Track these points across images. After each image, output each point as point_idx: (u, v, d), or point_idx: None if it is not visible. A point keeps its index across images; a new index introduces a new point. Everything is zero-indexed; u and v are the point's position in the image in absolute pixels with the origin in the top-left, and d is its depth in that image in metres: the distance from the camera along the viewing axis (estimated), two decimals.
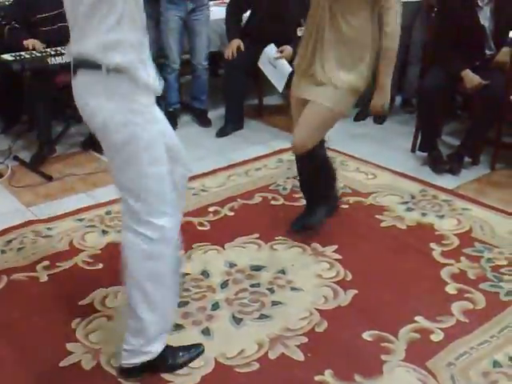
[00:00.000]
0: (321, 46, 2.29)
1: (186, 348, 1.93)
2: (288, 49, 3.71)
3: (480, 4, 3.22)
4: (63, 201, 3.02)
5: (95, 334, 2.03)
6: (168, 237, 1.71)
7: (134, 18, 1.58)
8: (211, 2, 4.11)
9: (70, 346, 1.97)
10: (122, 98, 1.59)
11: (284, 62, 3.71)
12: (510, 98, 3.18)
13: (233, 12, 3.91)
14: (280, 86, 3.81)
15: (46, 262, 2.45)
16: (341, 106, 2.36)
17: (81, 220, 2.81)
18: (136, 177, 1.64)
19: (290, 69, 3.70)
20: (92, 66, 1.58)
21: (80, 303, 2.20)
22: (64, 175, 3.32)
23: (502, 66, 3.28)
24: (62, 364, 1.90)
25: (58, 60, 3.26)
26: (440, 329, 2.04)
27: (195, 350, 1.94)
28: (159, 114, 1.72)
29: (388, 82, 2.36)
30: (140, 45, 1.61)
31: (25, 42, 3.37)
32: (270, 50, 3.77)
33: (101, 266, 2.43)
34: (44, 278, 2.35)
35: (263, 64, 3.81)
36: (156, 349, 1.80)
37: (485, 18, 3.25)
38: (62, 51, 3.30)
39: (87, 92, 1.62)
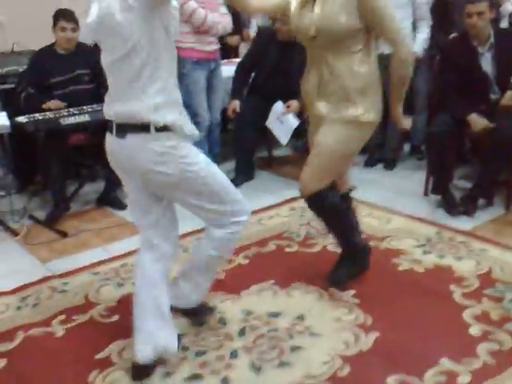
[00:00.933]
0: (323, 85, 2.27)
1: None
2: (295, 103, 3.80)
3: (480, 51, 3.31)
4: (78, 256, 3.03)
5: None
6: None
7: (175, 81, 1.87)
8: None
9: None
10: (171, 149, 1.84)
11: (291, 116, 3.80)
12: None
13: (242, 72, 4.07)
14: (285, 140, 3.89)
15: (62, 317, 2.43)
16: (347, 144, 2.29)
17: (96, 274, 2.80)
18: (211, 194, 1.97)
19: (297, 122, 3.78)
20: (141, 127, 1.81)
21: (97, 357, 2.16)
22: (79, 231, 3.34)
23: (508, 109, 3.32)
24: None
25: (71, 120, 3.35)
26: (467, 371, 1.97)
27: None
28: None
29: (401, 108, 2.41)
30: (180, 101, 1.90)
31: (45, 105, 3.48)
32: (278, 107, 3.87)
33: (117, 318, 2.41)
34: (60, 333, 2.32)
35: (271, 123, 3.90)
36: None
37: (487, 63, 3.33)
38: (75, 112, 3.41)
39: (138, 153, 1.84)
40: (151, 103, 1.79)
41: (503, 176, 3.36)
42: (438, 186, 3.43)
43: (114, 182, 3.73)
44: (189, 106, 4.06)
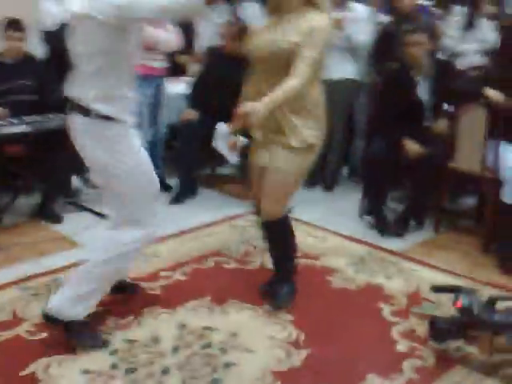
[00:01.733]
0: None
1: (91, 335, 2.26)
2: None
3: (418, 79, 3.49)
4: (8, 270, 2.91)
5: None
6: (139, 242, 2.24)
7: (130, 78, 2.17)
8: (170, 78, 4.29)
9: None
10: (107, 140, 2.10)
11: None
12: (448, 165, 3.38)
13: (200, 90, 4.08)
14: (234, 158, 3.91)
15: None
16: (300, 166, 2.40)
17: (26, 289, 2.71)
18: (123, 197, 2.18)
19: (244, 141, 3.82)
20: (84, 112, 2.08)
21: (21, 374, 2.08)
22: (11, 244, 3.22)
23: (440, 135, 3.50)
24: None
25: (8, 130, 3.26)
26: None
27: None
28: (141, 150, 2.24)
29: (267, 106, 2.17)
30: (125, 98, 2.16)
31: None
32: (222, 128, 3.89)
33: (45, 335, 2.33)
34: None
35: (218, 144, 3.92)
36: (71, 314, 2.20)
37: (423, 92, 3.51)
38: (14, 122, 3.32)
39: (81, 134, 2.12)
40: (100, 93, 2.06)
41: (434, 199, 3.52)
42: (372, 208, 3.56)
43: (51, 195, 3.64)
44: None
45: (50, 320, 2.24)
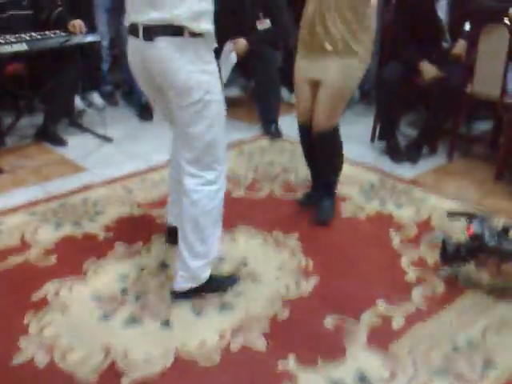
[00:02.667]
0: (325, 15, 2.33)
1: (225, 277, 2.20)
2: (240, 41, 3.67)
3: None
4: (14, 194, 2.89)
5: (49, 329, 1.94)
6: (222, 179, 1.99)
7: None
8: None
9: (23, 342, 1.87)
10: (200, 59, 1.81)
11: (233, 54, 3.68)
12: (465, 89, 3.24)
13: None
14: (224, 77, 3.78)
15: None
16: (353, 79, 2.45)
17: (33, 214, 2.69)
18: (206, 129, 1.88)
19: (235, 60, 3.67)
20: (175, 32, 1.76)
21: (33, 297, 2.10)
22: (15, 167, 3.18)
23: (458, 58, 3.33)
24: (14, 362, 1.80)
25: (8, 49, 3.11)
26: (401, 314, 2.04)
27: (232, 279, 2.19)
28: None
29: None
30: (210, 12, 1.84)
31: (70, 23, 3.32)
32: (227, 46, 3.72)
33: (54, 260, 2.34)
34: None
35: (220, 62, 3.77)
36: (207, 274, 2.05)
37: (441, 10, 3.30)
38: (12, 40, 3.16)
39: (168, 56, 1.78)
40: (192, 9, 1.76)
41: (448, 125, 3.41)
42: (385, 133, 3.46)
43: (53, 116, 3.56)
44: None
45: (187, 295, 2.09)
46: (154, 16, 1.78)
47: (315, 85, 2.48)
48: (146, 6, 1.79)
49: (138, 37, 1.83)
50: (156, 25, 1.78)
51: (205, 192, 1.95)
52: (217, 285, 2.13)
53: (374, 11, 2.39)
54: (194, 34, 1.78)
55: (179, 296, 2.08)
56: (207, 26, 1.81)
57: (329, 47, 2.37)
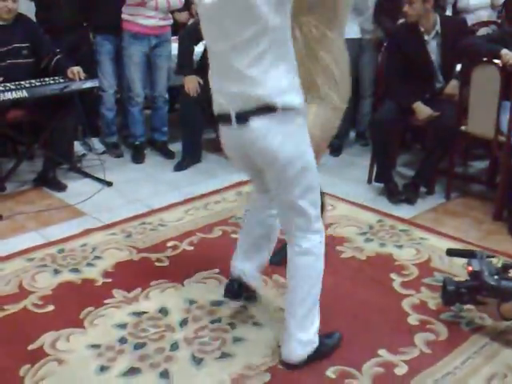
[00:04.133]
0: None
1: (328, 335, 2.07)
2: None
3: (426, 38, 3.34)
4: (13, 240, 2.88)
5: (45, 382, 1.90)
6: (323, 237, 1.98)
7: (294, 63, 1.79)
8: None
9: None
10: (297, 130, 1.80)
11: None
12: (460, 128, 3.28)
13: (187, 44, 3.88)
14: None
15: None
16: (331, 129, 2.34)
17: (31, 260, 2.68)
18: (305, 192, 1.86)
19: None
20: (269, 109, 1.73)
21: (29, 348, 2.07)
22: (14, 213, 3.18)
23: (451, 97, 3.38)
24: None
25: (8, 96, 3.16)
26: (404, 361, 2.01)
27: (335, 336, 2.10)
28: None
29: None
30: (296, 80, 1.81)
31: (69, 69, 3.37)
32: None
33: (51, 307, 2.31)
34: None
35: None
36: (317, 338, 1.98)
37: (432, 51, 3.37)
38: (12, 87, 3.22)
39: (266, 135, 1.75)
40: (277, 86, 1.72)
41: (444, 165, 3.44)
42: (382, 175, 3.47)
43: (52, 162, 3.58)
44: (124, 80, 4.00)
45: (299, 365, 1.99)
46: (236, 96, 1.75)
47: None
48: (225, 88, 1.78)
49: (231, 123, 1.80)
50: (246, 109, 1.75)
51: (316, 244, 1.97)
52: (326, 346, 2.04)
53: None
54: (285, 109, 1.74)
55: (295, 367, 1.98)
56: (299, 99, 1.79)
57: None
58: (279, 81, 1.72)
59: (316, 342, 1.97)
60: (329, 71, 2.24)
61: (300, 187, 1.85)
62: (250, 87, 1.72)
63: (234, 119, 1.79)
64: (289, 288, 1.99)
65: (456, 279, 2.27)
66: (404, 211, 3.24)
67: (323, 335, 2.02)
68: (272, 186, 1.91)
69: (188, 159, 3.93)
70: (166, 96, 4.10)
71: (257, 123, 1.75)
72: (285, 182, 1.84)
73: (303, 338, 1.94)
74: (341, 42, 2.28)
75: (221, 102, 1.83)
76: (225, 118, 1.83)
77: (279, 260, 2.47)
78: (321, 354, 2.00)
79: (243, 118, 1.76)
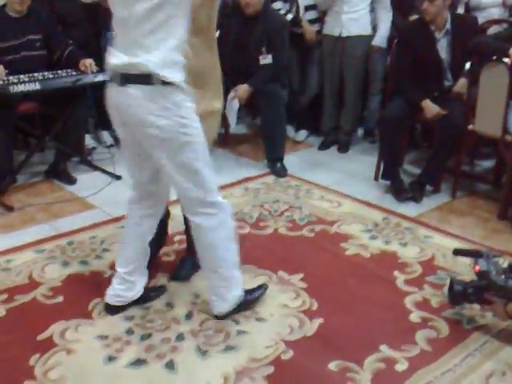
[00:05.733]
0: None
1: (255, 289, 2.33)
2: (241, 88, 3.75)
3: (437, 36, 3.35)
4: (23, 232, 2.94)
5: (54, 371, 1.96)
6: (224, 208, 2.12)
7: (183, 43, 1.89)
8: None
9: None
10: (174, 106, 1.88)
11: (235, 101, 3.77)
12: (468, 127, 3.29)
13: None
14: (232, 124, 3.87)
15: (4, 296, 2.37)
16: (211, 132, 2.30)
17: (41, 251, 2.73)
18: (193, 170, 1.97)
19: (237, 106, 3.76)
20: (149, 79, 1.84)
21: (39, 338, 2.12)
22: (25, 205, 3.24)
23: (460, 96, 3.39)
24: None
25: (21, 88, 3.21)
26: (405, 358, 2.04)
27: (262, 289, 2.35)
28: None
29: None
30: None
31: (81, 62, 3.42)
32: (230, 94, 3.82)
33: (61, 298, 2.37)
34: (2, 313, 2.27)
35: (226, 111, 3.86)
36: (239, 292, 2.21)
37: (442, 49, 3.37)
38: (25, 79, 3.26)
39: (140, 103, 1.87)
40: (163, 59, 1.84)
41: (450, 163, 3.45)
42: (388, 172, 3.49)
43: (63, 154, 3.63)
44: None
45: (227, 316, 2.25)
46: (127, 61, 1.87)
47: None
48: (122, 51, 1.90)
49: (116, 83, 1.92)
50: (131, 73, 1.87)
51: (213, 223, 2.09)
52: (250, 299, 2.29)
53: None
54: (166, 83, 1.86)
55: (221, 318, 2.23)
56: (181, 76, 1.89)
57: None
58: (165, 55, 1.84)
59: (237, 298, 2.21)
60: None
61: (183, 167, 1.96)
62: (139, 56, 1.85)
63: (118, 80, 1.91)
64: (199, 257, 2.20)
65: (461, 278, 2.29)
66: (410, 209, 3.26)
67: (247, 291, 2.27)
68: (159, 164, 2.01)
69: None
70: None
71: (135, 89, 1.87)
72: (167, 159, 1.95)
73: (225, 295, 2.18)
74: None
75: (114, 63, 1.93)
76: (112, 78, 1.94)
77: (186, 274, 2.52)
78: (243, 308, 2.26)
79: (125, 80, 1.89)
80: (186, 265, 2.54)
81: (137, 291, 2.27)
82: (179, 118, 1.90)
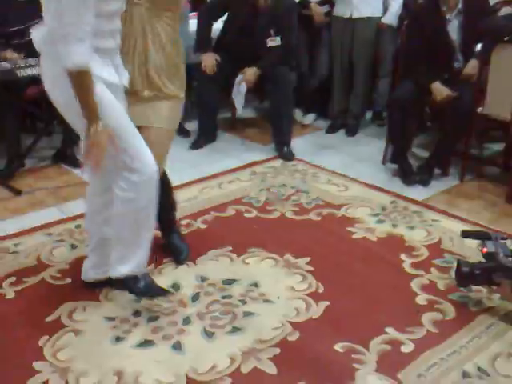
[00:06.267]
0: (144, 58, 2.08)
1: (137, 280, 2.15)
2: (248, 71, 3.72)
3: (448, 17, 3.29)
4: (32, 215, 2.96)
5: (63, 352, 1.98)
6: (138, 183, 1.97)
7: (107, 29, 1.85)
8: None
9: (37, 365, 1.92)
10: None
11: (242, 84, 3.75)
12: (477, 109, 3.25)
13: (206, 21, 3.87)
14: (239, 108, 3.85)
15: (13, 278, 2.39)
16: (175, 122, 2.25)
17: (49, 234, 2.75)
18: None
19: (245, 88, 3.74)
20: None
21: (47, 319, 2.15)
22: (33, 189, 3.26)
23: (470, 78, 3.35)
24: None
25: (28, 72, 3.21)
26: (410, 340, 2.05)
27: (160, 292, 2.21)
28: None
29: None
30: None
31: (1, 54, 3.35)
32: (238, 78, 3.80)
33: (69, 280, 2.39)
34: (11, 295, 2.29)
35: (233, 94, 3.84)
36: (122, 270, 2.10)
37: (453, 30, 3.32)
38: (32, 63, 3.26)
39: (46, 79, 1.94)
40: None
41: (460, 146, 3.42)
42: (397, 155, 3.47)
43: (71, 138, 3.63)
44: None
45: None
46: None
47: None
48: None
49: None
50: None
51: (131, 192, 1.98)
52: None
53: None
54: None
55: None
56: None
57: (148, 92, 2.13)
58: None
59: (135, 273, 2.11)
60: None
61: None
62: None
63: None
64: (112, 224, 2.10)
65: (468, 261, 2.28)
66: (417, 193, 3.24)
67: (134, 278, 2.13)
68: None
69: (203, 138, 3.96)
70: None
71: (44, 63, 1.94)
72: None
73: (121, 270, 2.09)
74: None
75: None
76: None
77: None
78: (131, 290, 2.16)
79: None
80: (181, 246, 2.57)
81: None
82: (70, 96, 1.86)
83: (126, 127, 1.96)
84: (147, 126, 2.15)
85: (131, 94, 2.09)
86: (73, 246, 2.65)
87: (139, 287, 2.15)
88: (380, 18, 3.96)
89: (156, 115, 2.16)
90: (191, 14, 4.07)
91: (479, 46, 3.39)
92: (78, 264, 2.49)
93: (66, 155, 3.62)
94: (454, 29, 3.32)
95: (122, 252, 2.09)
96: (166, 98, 2.17)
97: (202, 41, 3.85)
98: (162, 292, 2.22)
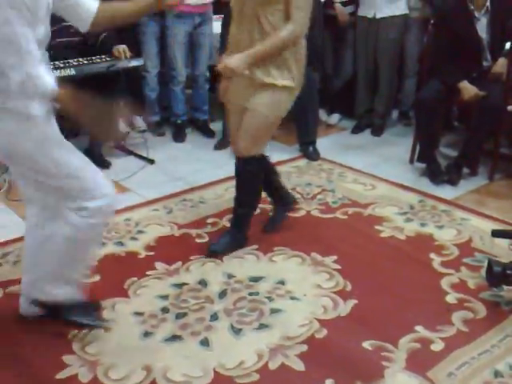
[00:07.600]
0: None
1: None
2: None
3: (477, 15, 3.25)
4: None
5: (92, 346, 2.00)
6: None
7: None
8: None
9: (66, 359, 1.95)
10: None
11: None
12: (507, 108, 3.19)
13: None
14: None
15: None
16: (279, 111, 2.39)
17: None
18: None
19: None
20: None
21: None
22: None
23: (499, 76, 3.29)
24: (58, 377, 1.87)
25: (56, 74, 3.25)
26: (440, 338, 2.02)
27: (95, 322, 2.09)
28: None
29: (255, 56, 2.25)
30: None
31: (115, 48, 3.50)
32: None
33: (98, 277, 2.41)
34: None
35: None
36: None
37: (481, 29, 3.27)
38: (60, 65, 3.32)
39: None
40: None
41: (489, 145, 3.36)
42: (424, 154, 3.43)
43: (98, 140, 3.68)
44: (167, 60, 4.03)
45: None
46: None
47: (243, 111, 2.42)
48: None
49: None
50: None
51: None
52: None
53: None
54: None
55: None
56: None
57: (258, 79, 2.32)
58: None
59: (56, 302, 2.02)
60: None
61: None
62: None
63: None
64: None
65: (500, 260, 2.24)
66: (446, 192, 3.20)
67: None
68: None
69: (228, 138, 3.97)
70: (208, 74, 4.12)
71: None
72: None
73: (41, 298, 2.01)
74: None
75: None
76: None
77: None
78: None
79: None
80: (279, 214, 2.78)
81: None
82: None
83: (78, 162, 1.91)
84: (248, 107, 2.38)
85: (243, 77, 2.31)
86: (101, 244, 2.67)
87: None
88: (404, 14, 3.92)
89: (256, 100, 2.35)
90: (215, 16, 4.10)
91: (508, 45, 3.34)
92: (106, 261, 2.52)
93: (93, 155, 3.65)
94: (482, 27, 3.27)
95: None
96: (266, 86, 2.32)
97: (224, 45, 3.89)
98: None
